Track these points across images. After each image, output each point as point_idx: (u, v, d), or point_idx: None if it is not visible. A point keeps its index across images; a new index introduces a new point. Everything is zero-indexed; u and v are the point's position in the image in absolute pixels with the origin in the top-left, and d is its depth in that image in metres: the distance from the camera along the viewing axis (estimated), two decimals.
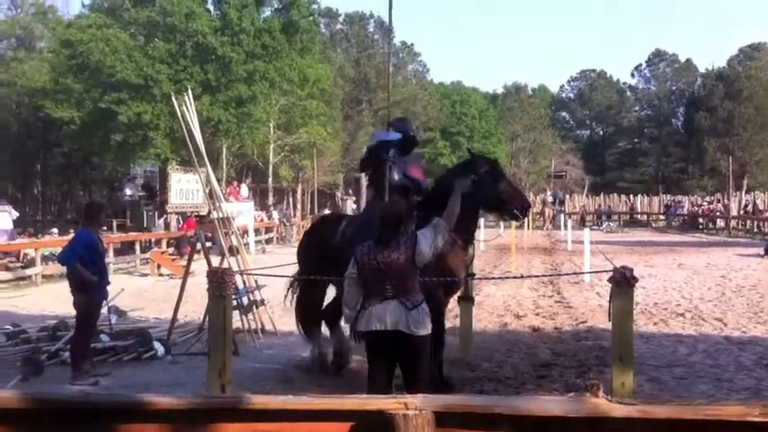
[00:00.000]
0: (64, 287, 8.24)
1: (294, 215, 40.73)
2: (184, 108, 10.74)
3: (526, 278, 14.69)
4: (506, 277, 14.71)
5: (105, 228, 24.72)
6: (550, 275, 16.14)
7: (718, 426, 2.55)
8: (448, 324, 10.52)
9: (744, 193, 51.43)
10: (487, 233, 27.25)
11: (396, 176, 7.56)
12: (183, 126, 10.92)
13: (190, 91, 12.26)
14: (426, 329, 5.17)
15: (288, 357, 9.06)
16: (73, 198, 52.71)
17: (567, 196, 55.74)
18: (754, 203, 46.10)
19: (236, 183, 36.00)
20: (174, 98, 12.28)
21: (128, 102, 33.80)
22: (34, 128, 43.76)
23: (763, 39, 78.40)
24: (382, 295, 5.10)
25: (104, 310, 8.85)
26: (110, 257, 19.66)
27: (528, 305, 13.08)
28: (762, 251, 22.89)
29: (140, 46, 35.50)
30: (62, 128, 37.38)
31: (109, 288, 8.42)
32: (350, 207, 28.88)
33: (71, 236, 10.11)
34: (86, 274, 7.88)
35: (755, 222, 38.86)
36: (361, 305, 5.21)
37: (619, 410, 2.61)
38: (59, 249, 17.29)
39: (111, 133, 34.33)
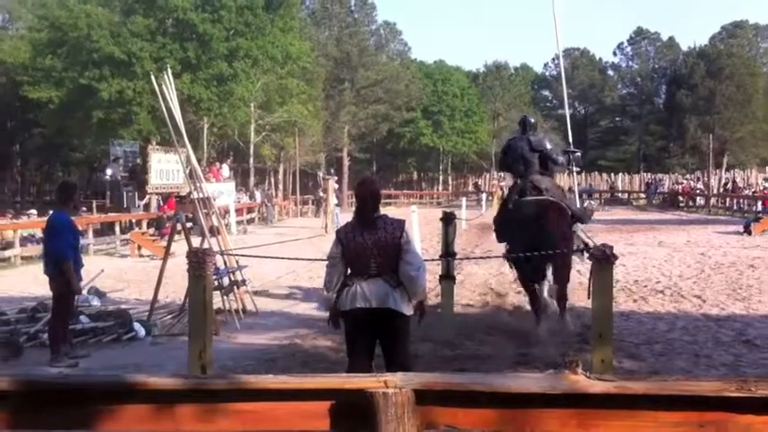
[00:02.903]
0: (42, 269, 8.16)
1: (276, 195, 40.55)
2: (164, 87, 10.61)
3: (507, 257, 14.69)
4: (488, 257, 14.72)
5: (85, 209, 24.59)
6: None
7: (696, 401, 2.56)
8: (429, 302, 10.60)
9: (724, 170, 51.79)
10: (469, 213, 27.40)
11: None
12: (163, 105, 10.80)
13: (169, 69, 12.12)
14: (410, 309, 5.18)
15: (269, 337, 9.06)
16: (52, 179, 52.09)
17: None
18: (734, 181, 46.47)
19: (217, 163, 35.72)
20: (153, 77, 12.12)
21: (109, 79, 33.41)
22: (13, 107, 43.13)
23: (746, 17, 78.69)
24: (367, 273, 5.09)
25: (83, 291, 8.77)
26: (89, 238, 19.52)
27: (509, 283, 13.12)
28: (741, 228, 23.13)
29: (121, 21, 35.00)
30: (42, 108, 36.86)
31: (83, 270, 8.32)
32: (332, 187, 28.64)
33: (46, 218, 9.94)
34: (73, 274, 7.81)
35: (735, 200, 39.20)
36: (344, 283, 5.20)
37: (597, 387, 2.62)
38: (38, 230, 17.25)
39: (91, 110, 33.92)
